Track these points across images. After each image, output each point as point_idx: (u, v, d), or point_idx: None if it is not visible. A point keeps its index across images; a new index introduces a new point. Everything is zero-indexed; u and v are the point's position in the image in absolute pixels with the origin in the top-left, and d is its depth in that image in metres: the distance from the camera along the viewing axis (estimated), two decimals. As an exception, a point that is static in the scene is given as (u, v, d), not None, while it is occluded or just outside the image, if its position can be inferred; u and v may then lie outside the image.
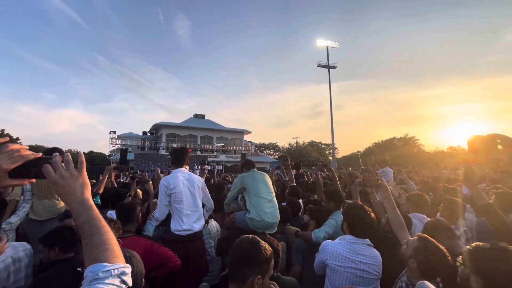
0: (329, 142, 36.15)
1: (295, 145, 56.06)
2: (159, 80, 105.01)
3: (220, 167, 25.60)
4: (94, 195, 3.50)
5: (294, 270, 2.28)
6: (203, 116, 42.29)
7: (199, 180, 2.68)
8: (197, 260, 2.47)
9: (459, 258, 1.31)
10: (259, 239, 1.22)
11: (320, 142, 60.06)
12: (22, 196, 2.90)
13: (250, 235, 1.25)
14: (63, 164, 0.70)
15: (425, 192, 2.96)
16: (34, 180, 0.70)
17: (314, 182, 4.19)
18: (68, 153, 0.73)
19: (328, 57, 32.45)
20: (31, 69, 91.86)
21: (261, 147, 58.28)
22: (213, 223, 3.11)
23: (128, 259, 1.02)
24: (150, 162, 25.98)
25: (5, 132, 33.08)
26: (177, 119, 44.19)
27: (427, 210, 2.54)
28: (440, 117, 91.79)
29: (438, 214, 2.94)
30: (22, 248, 1.81)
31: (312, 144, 58.16)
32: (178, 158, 2.69)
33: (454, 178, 4.48)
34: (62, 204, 3.01)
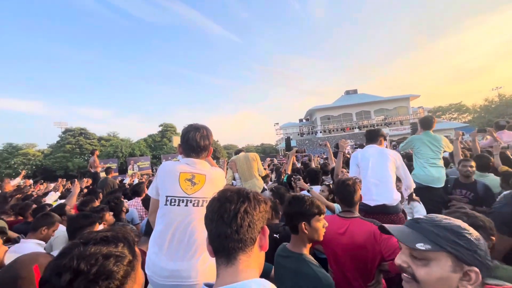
0: None
1: (497, 99, 39.79)
2: (303, 68, 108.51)
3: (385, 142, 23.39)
4: (283, 174, 4.51)
5: None
6: (355, 91, 38.56)
7: (393, 154, 2.67)
8: None
9: None
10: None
11: (549, 87, 38.65)
12: (233, 182, 3.85)
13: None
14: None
15: None
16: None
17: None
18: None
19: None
20: (211, 88, 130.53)
21: (437, 112, 46.54)
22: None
23: None
24: (310, 145, 28.42)
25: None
26: (328, 101, 43.88)
27: None
28: None
29: None
30: None
31: (532, 92, 38.67)
32: (370, 136, 2.91)
33: None
34: (261, 182, 3.79)
